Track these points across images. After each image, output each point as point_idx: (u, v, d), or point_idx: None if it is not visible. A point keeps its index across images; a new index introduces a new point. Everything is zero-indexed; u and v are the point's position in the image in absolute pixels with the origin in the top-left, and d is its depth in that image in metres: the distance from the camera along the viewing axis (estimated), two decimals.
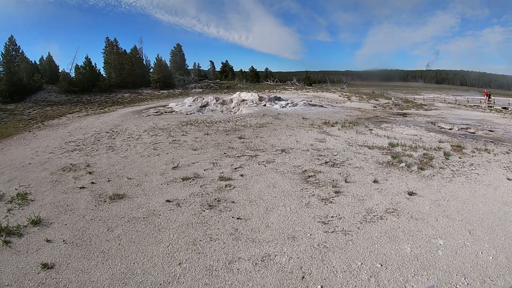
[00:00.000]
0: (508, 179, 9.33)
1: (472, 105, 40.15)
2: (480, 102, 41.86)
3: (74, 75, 45.35)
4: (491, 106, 36.66)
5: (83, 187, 8.86)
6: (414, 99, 48.63)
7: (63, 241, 6.08)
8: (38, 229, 6.57)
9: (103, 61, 50.93)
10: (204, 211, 7.16)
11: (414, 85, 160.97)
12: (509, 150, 12.78)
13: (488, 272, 5.03)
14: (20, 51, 42.66)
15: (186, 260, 5.34)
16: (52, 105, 33.04)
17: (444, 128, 19.06)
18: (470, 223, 6.62)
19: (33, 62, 49.12)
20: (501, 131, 18.10)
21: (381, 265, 5.15)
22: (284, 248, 5.68)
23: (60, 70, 48.81)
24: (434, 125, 20.02)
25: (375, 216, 6.88)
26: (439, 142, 13.91)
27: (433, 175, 9.48)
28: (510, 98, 51.15)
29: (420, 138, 14.84)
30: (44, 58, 51.45)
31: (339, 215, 6.92)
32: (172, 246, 5.80)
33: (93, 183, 9.19)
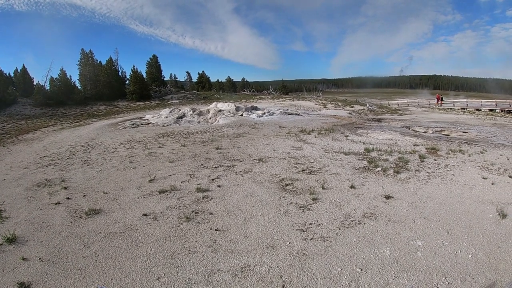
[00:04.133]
0: (483, 178, 9.59)
1: (446, 107, 41.42)
2: (453, 104, 43.71)
3: (49, 87, 44.32)
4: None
5: (59, 203, 8.59)
6: (389, 105, 49.68)
7: (39, 259, 5.86)
8: (14, 247, 6.33)
9: (78, 73, 50.04)
10: (181, 223, 7.05)
11: (388, 91, 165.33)
12: (483, 150, 13.18)
13: (468, 270, 5.12)
14: None
15: (164, 275, 5.23)
16: (26, 118, 32.12)
17: (418, 131, 19.51)
18: (448, 223, 6.75)
19: (7, 74, 47.72)
20: (474, 132, 18.65)
21: (361, 270, 5.18)
22: (263, 257, 5.64)
23: (35, 83, 47.60)
24: (409, 129, 20.46)
25: (353, 221, 6.93)
26: (414, 146, 14.22)
27: (409, 178, 9.66)
28: (483, 100, 53.20)
29: (395, 143, 15.12)
30: (19, 70, 49.98)
31: (317, 222, 6.94)
32: (150, 260, 5.68)
33: (68, 198, 8.93)
